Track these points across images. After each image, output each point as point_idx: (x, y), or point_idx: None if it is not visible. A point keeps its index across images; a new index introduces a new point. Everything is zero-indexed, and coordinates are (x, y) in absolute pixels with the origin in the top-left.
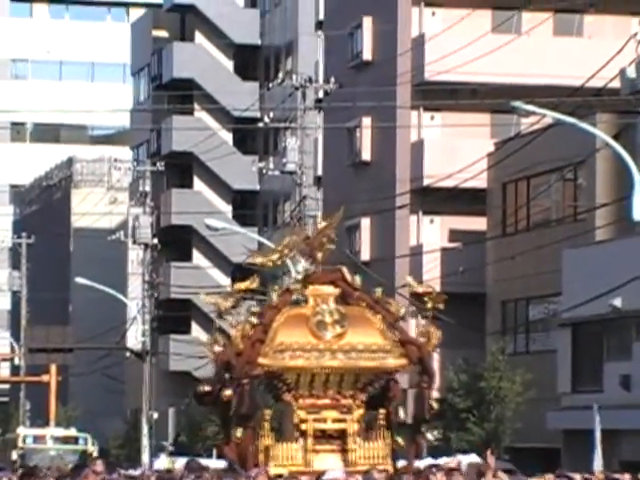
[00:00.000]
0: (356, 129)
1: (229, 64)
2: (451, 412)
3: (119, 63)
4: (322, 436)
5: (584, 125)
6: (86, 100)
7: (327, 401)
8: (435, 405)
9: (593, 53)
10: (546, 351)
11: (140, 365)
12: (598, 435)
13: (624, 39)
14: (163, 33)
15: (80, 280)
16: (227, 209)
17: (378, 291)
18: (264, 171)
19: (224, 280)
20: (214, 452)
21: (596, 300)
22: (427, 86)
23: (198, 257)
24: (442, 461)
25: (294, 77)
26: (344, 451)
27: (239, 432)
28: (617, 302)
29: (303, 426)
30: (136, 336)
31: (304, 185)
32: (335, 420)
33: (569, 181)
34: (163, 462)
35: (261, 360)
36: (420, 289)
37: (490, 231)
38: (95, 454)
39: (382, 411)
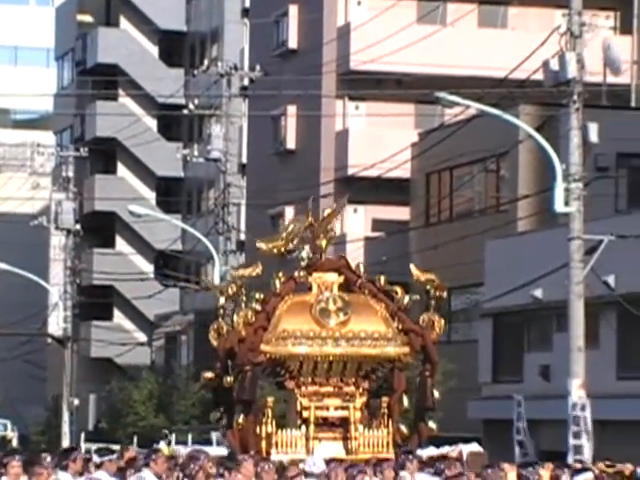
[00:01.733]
0: (281, 117)
1: (154, 50)
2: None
3: (43, 47)
4: (324, 424)
5: (507, 116)
6: (9, 84)
7: (330, 389)
8: (437, 394)
9: (517, 45)
10: (468, 341)
11: (61, 351)
12: (523, 425)
13: (548, 31)
14: (88, 18)
15: (1, 265)
16: (151, 196)
17: (382, 279)
18: (188, 158)
19: (147, 267)
20: (214, 439)
21: (517, 291)
22: (352, 75)
23: (121, 243)
24: (444, 450)
25: (219, 64)
26: (346, 439)
27: (241, 419)
28: (538, 293)
29: (305, 413)
30: (57, 322)
31: (228, 173)
32: (337, 408)
33: (492, 172)
34: (163, 449)
35: (264, 347)
36: (422, 277)
37: (413, 221)
38: (15, 440)
39: (385, 399)
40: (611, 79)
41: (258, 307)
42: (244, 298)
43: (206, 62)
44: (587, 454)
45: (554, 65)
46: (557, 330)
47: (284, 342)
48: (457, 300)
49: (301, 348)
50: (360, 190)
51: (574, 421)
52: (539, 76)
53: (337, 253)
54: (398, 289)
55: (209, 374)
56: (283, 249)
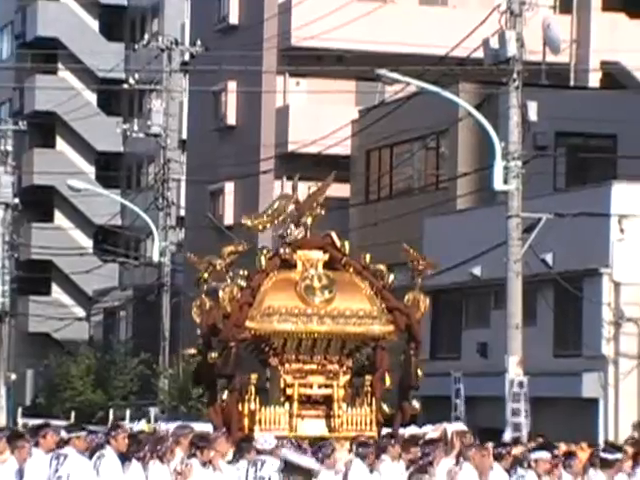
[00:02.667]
0: (221, 93)
1: (94, 24)
2: None
3: None
4: (307, 401)
5: (447, 94)
6: None
7: (313, 366)
8: (420, 373)
9: (457, 23)
10: None
11: None
12: (461, 402)
13: (488, 10)
14: None
15: None
16: (90, 170)
17: (366, 257)
18: (128, 133)
19: (86, 242)
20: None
21: (456, 268)
22: (293, 52)
23: (60, 218)
24: (427, 429)
25: (160, 39)
26: (329, 417)
27: (225, 395)
28: (476, 270)
29: (289, 391)
30: None
31: (168, 148)
32: (321, 385)
33: (431, 150)
34: (142, 426)
35: (249, 324)
36: (410, 256)
37: (353, 198)
38: None
39: (368, 377)
40: (550, 58)
41: (243, 283)
42: (230, 274)
43: (147, 37)
44: (524, 431)
45: (494, 43)
46: (495, 307)
47: (269, 319)
48: (396, 277)
49: (286, 325)
50: (300, 166)
51: (512, 398)
52: (479, 54)
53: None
54: (382, 267)
55: (192, 350)
56: (268, 225)
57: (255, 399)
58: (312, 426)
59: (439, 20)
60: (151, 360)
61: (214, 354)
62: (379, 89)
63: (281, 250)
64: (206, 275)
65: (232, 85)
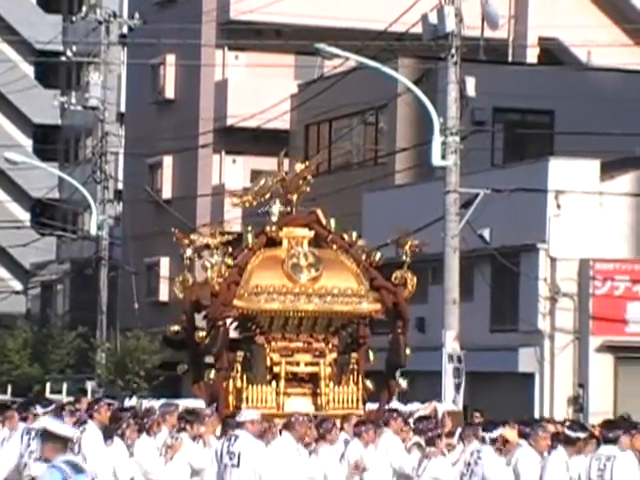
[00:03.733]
0: (160, 66)
1: None
2: None
3: None
4: (294, 379)
5: (386, 69)
6: None
7: (300, 344)
8: (408, 351)
9: None
10: None
11: None
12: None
13: None
14: None
15: None
16: (27, 143)
17: (353, 235)
18: (66, 106)
19: (23, 215)
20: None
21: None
22: (232, 25)
23: None
24: (415, 407)
25: (98, 11)
26: (316, 395)
27: (212, 373)
28: None
29: (276, 369)
30: None
31: (106, 121)
32: (308, 364)
33: (370, 125)
34: (133, 402)
35: (236, 302)
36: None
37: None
38: None
39: (354, 355)
40: (489, 33)
41: (230, 261)
42: (219, 252)
43: (84, 9)
44: (460, 405)
45: (433, 19)
46: (432, 283)
47: (257, 297)
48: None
49: (274, 304)
50: (239, 141)
51: (449, 373)
52: (418, 29)
53: (215, 203)
54: (360, 241)
55: (175, 327)
56: (254, 203)
57: (242, 377)
58: (298, 404)
59: None
60: (88, 334)
61: (202, 333)
62: (318, 63)
63: (267, 228)
64: (189, 252)
65: (171, 58)
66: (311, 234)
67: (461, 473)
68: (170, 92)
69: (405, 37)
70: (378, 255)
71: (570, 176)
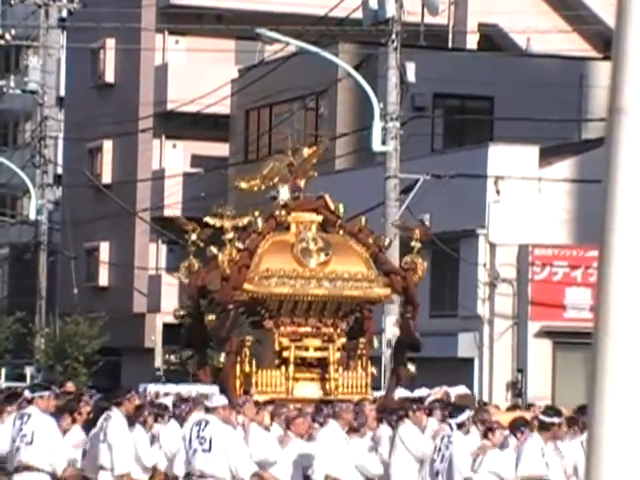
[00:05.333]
0: (100, 50)
1: None
2: None
3: None
4: (302, 364)
5: (327, 54)
6: None
7: (308, 329)
8: (419, 336)
9: None
10: None
11: None
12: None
13: None
14: None
15: None
16: None
17: (362, 220)
18: (5, 89)
19: None
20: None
21: None
22: (172, 9)
23: None
24: (424, 392)
25: None
26: (324, 380)
27: (222, 357)
28: None
29: (285, 353)
30: None
31: (46, 105)
32: (317, 348)
33: (311, 110)
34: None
35: (246, 286)
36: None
37: (232, 157)
38: None
39: (362, 340)
40: (429, 19)
41: (240, 245)
42: (229, 237)
43: None
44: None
45: (373, 4)
46: None
47: (267, 281)
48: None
49: (284, 288)
50: (179, 125)
51: (388, 358)
52: (358, 15)
53: (155, 188)
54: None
55: (181, 311)
56: (262, 187)
57: (250, 362)
58: (307, 389)
59: None
60: (27, 319)
61: (211, 317)
62: (259, 48)
63: (276, 212)
64: (194, 237)
65: (110, 42)
66: (319, 219)
67: (431, 459)
68: (110, 76)
69: (345, 22)
70: (387, 240)
71: (509, 162)
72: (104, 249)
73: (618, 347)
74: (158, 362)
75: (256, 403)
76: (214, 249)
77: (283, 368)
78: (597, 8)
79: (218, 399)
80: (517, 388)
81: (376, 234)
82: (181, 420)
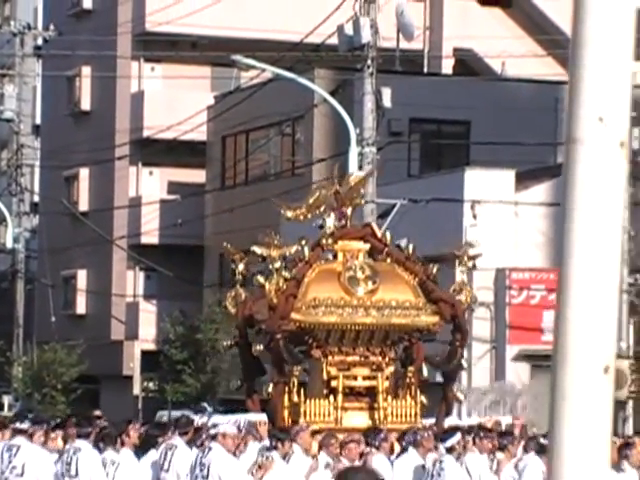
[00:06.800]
0: (75, 78)
1: None
2: (167, 364)
3: None
4: (351, 393)
5: (303, 80)
6: None
7: (356, 358)
8: (465, 364)
9: (312, 9)
10: None
11: None
12: None
13: None
14: None
15: None
16: None
17: (410, 247)
18: None
19: None
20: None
21: None
22: (148, 37)
23: None
24: (474, 421)
25: (12, 23)
26: (373, 409)
27: (270, 387)
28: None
29: (333, 383)
30: None
31: (22, 133)
32: (365, 377)
33: (287, 136)
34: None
35: (294, 315)
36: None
37: (209, 184)
38: None
39: (411, 369)
40: (404, 44)
41: (287, 274)
42: (276, 265)
43: None
44: None
45: (348, 30)
46: None
47: (314, 310)
48: (253, 263)
49: (331, 317)
50: (156, 152)
51: None
52: (334, 40)
53: (132, 215)
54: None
55: (229, 342)
56: (309, 216)
57: (299, 391)
58: (356, 418)
59: (294, 6)
60: (4, 347)
61: (259, 346)
62: (234, 75)
63: (323, 241)
64: (241, 266)
65: (86, 70)
66: (366, 247)
67: None
68: (86, 104)
69: (321, 48)
70: (435, 268)
71: (486, 186)
72: (81, 277)
73: (576, 373)
74: (136, 389)
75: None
76: (261, 278)
77: (331, 397)
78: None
79: (222, 427)
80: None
81: (424, 262)
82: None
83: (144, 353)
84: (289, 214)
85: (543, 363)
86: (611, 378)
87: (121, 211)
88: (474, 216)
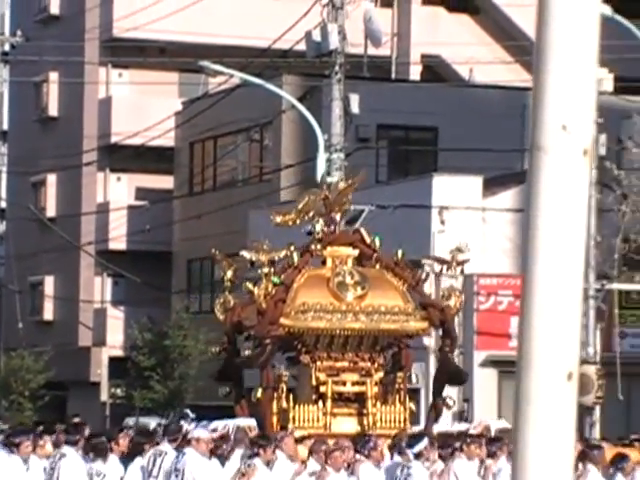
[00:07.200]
0: (43, 84)
1: None
2: (135, 370)
3: None
4: (340, 399)
5: (270, 86)
6: None
7: (345, 364)
8: (456, 370)
9: (280, 15)
10: None
11: None
12: None
13: (310, 2)
14: None
15: None
16: None
17: (398, 253)
18: None
19: None
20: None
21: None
22: (115, 43)
23: None
24: (463, 427)
25: None
26: (362, 414)
27: (259, 393)
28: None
29: (322, 388)
30: None
31: None
32: (355, 383)
33: (255, 142)
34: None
35: (283, 320)
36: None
37: (177, 190)
38: None
39: (400, 375)
40: (372, 51)
41: (277, 280)
42: (265, 270)
43: None
44: None
45: (316, 36)
46: None
47: (303, 316)
48: (220, 269)
49: (320, 322)
50: (123, 158)
51: None
52: (302, 47)
53: (100, 221)
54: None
55: (217, 348)
56: (298, 222)
57: (287, 397)
58: (345, 424)
59: (262, 12)
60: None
61: (247, 352)
62: (202, 81)
63: (312, 246)
64: (230, 273)
65: (54, 76)
66: (355, 253)
67: None
68: (53, 110)
69: (289, 54)
70: (424, 274)
71: (453, 192)
72: (49, 283)
73: (540, 379)
74: (104, 396)
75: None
76: (249, 284)
77: (320, 403)
78: None
79: (196, 432)
80: (463, 417)
81: (413, 267)
82: (223, 459)
83: (112, 359)
84: (278, 219)
85: (511, 369)
86: (575, 385)
87: (89, 217)
88: (442, 222)
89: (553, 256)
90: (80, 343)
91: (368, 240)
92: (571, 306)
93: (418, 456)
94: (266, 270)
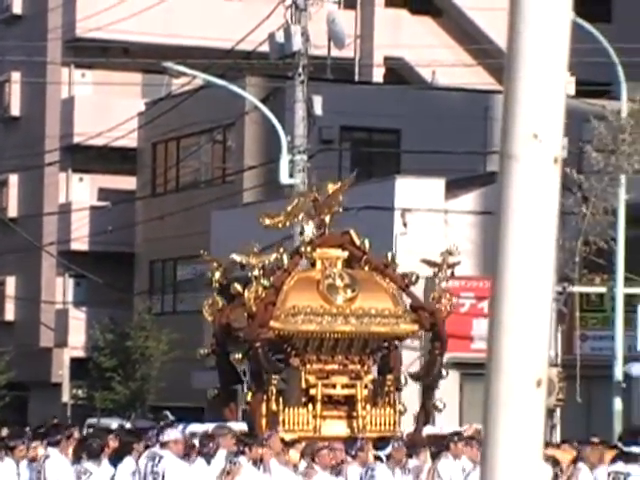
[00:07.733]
0: (5, 84)
1: None
2: (96, 371)
3: None
4: (329, 401)
5: (234, 88)
6: None
7: (335, 366)
8: (445, 372)
9: (244, 16)
10: (193, 311)
11: None
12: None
13: (274, 4)
14: None
15: None
16: None
17: (388, 255)
18: None
19: None
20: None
21: None
22: (78, 43)
23: None
24: (452, 429)
25: None
26: (352, 417)
27: (249, 396)
28: None
29: (312, 391)
30: None
31: None
32: (344, 386)
33: (218, 143)
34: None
35: (273, 323)
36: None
37: (140, 191)
38: None
39: (390, 377)
40: (335, 53)
41: (266, 282)
42: (255, 273)
43: None
44: None
45: (280, 37)
46: None
47: (294, 319)
48: (183, 270)
49: (311, 325)
50: (86, 159)
51: None
52: (265, 48)
53: (62, 222)
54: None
55: (205, 350)
56: (287, 224)
57: (277, 400)
58: (335, 427)
59: (225, 13)
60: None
61: (238, 355)
62: (165, 82)
63: (302, 248)
64: (218, 275)
65: (16, 76)
66: (345, 255)
67: None
68: (15, 110)
69: (252, 56)
70: (415, 276)
71: (416, 194)
72: (10, 283)
73: (509, 385)
74: (65, 397)
75: (282, 441)
76: (238, 286)
77: (310, 406)
78: (501, 42)
79: (171, 433)
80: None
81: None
82: (209, 458)
83: (73, 360)
84: (267, 221)
85: (473, 371)
86: (543, 391)
87: (51, 217)
88: (404, 224)
89: (524, 263)
90: (42, 344)
91: (358, 242)
92: (540, 313)
93: (389, 457)
94: (256, 273)
